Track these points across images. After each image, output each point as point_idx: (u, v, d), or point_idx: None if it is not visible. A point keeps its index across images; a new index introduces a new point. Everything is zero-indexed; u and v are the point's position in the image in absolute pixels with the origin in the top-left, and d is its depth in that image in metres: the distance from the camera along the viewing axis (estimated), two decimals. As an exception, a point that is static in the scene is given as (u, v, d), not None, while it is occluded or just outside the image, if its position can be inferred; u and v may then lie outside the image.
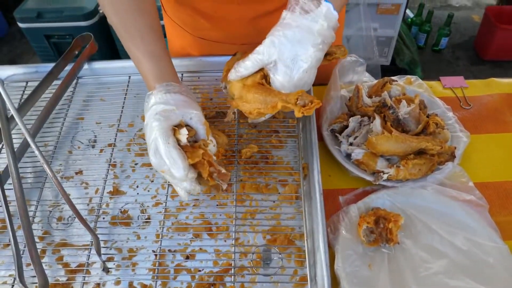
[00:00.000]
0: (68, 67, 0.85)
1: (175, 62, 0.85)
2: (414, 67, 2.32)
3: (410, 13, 2.80)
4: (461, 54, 2.65)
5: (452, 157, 0.73)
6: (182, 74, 0.85)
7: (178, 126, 0.60)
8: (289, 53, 0.60)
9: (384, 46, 2.25)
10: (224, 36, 0.88)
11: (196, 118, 0.62)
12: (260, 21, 0.84)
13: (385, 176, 0.71)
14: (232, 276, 0.62)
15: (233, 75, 0.66)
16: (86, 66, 0.87)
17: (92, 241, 0.65)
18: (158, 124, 0.58)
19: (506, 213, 0.71)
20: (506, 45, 2.49)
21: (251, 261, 0.64)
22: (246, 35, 0.86)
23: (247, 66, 0.63)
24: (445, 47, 2.67)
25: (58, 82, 0.82)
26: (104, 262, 0.63)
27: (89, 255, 0.65)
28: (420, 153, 0.74)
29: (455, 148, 0.74)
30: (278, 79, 0.61)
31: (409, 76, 0.92)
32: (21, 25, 2.04)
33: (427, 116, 0.79)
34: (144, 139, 0.77)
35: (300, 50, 0.60)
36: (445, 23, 2.59)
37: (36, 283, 0.58)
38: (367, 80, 0.91)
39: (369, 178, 0.72)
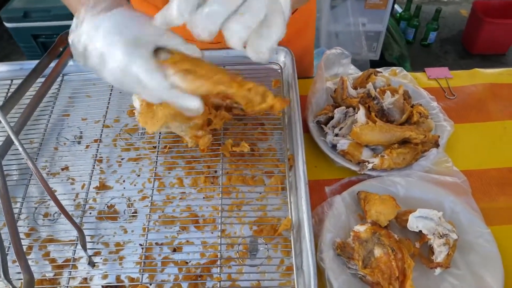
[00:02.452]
0: (52, 64, 0.84)
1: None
2: (403, 61, 2.33)
3: (398, 8, 2.82)
4: (449, 48, 2.68)
5: (436, 145, 0.74)
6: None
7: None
8: None
9: (373, 41, 2.26)
10: None
11: (175, 40, 0.52)
12: None
13: (370, 166, 0.72)
14: (219, 267, 0.62)
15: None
16: (71, 62, 0.87)
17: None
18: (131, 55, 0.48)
19: (489, 200, 0.72)
20: (493, 39, 2.52)
21: (238, 252, 0.64)
22: None
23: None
24: (434, 41, 2.69)
25: (43, 79, 0.82)
26: (90, 256, 0.63)
27: (75, 250, 0.65)
28: (404, 142, 0.74)
29: (439, 137, 0.75)
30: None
31: (394, 68, 0.93)
32: (7, 25, 2.02)
33: (411, 106, 0.79)
34: (131, 134, 0.78)
35: None
36: (433, 18, 2.61)
37: (22, 279, 0.58)
38: (352, 72, 0.92)
39: (354, 168, 0.73)
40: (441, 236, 0.61)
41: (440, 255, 0.60)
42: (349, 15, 2.10)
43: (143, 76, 0.49)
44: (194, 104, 0.51)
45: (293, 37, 0.87)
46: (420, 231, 0.62)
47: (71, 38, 0.53)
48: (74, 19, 0.52)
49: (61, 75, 0.86)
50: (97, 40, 0.50)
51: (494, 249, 0.63)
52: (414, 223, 0.62)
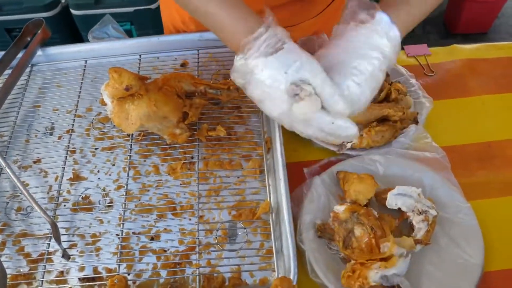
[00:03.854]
0: (20, 55, 0.81)
1: (131, 42, 0.84)
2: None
3: (379, -10, 2.80)
4: (430, 28, 2.67)
5: (415, 122, 0.74)
6: (140, 56, 0.83)
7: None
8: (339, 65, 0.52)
9: (355, 23, 2.24)
10: None
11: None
12: None
13: (349, 145, 0.71)
14: (198, 254, 0.61)
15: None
16: (40, 52, 0.84)
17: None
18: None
19: (469, 175, 0.72)
20: (474, 18, 2.52)
21: (217, 237, 0.63)
22: None
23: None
24: (415, 22, 2.68)
25: (10, 70, 0.79)
26: (64, 249, 0.61)
27: (49, 244, 0.63)
28: (383, 120, 0.73)
29: (418, 113, 0.75)
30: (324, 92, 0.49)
31: (371, 46, 0.91)
32: (-21, 19, 1.96)
33: (390, 84, 0.78)
34: (104, 123, 0.76)
35: (353, 61, 0.51)
36: (414, -1, 2.59)
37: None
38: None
39: (333, 148, 0.72)
40: (420, 212, 0.61)
41: (419, 232, 0.60)
42: (330, -2, 2.08)
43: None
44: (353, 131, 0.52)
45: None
46: (399, 208, 0.62)
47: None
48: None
49: (29, 65, 0.83)
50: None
51: (474, 223, 0.63)
52: (393, 200, 0.62)
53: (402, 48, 0.96)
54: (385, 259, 0.56)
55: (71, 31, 2.00)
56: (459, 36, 2.62)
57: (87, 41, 1.04)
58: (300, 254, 0.60)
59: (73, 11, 1.85)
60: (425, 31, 2.65)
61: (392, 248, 0.56)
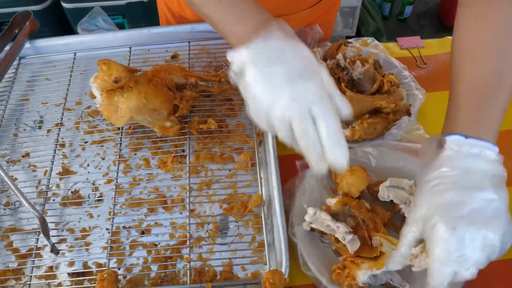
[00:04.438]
0: (8, 47, 0.80)
1: (121, 34, 0.82)
2: (380, 36, 2.31)
3: (374, -17, 2.79)
4: (425, 22, 2.67)
5: (407, 114, 0.73)
6: (130, 48, 0.82)
7: None
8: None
9: (349, 16, 2.24)
10: None
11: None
12: None
13: (341, 138, 0.70)
14: (189, 248, 0.60)
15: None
16: (28, 45, 0.83)
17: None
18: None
19: (461, 166, 0.71)
20: (468, 11, 2.52)
21: (208, 231, 0.63)
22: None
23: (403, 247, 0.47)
24: (410, 15, 2.68)
25: (-2, 63, 0.77)
26: (53, 244, 0.60)
27: (38, 239, 0.62)
28: (375, 112, 0.73)
29: (410, 105, 0.74)
30: (436, 251, 0.43)
31: (365, 38, 0.91)
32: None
33: (383, 76, 0.78)
34: (93, 117, 0.75)
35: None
36: (409, -9, 2.58)
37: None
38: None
39: (326, 141, 0.71)
40: (412, 204, 0.60)
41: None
42: (323, -9, 2.06)
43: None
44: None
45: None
46: (392, 200, 0.61)
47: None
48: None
49: (17, 58, 0.82)
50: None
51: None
52: (384, 193, 0.61)
53: (395, 41, 0.96)
54: (375, 258, 0.55)
55: (62, 24, 1.97)
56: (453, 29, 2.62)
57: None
58: (292, 247, 0.60)
59: (64, 4, 1.83)
60: (419, 25, 2.64)
61: (382, 245, 0.55)
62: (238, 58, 0.46)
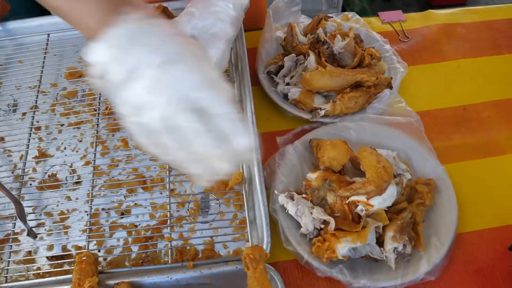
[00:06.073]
0: (-22, 30, 0.77)
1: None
2: (365, 16, 2.30)
3: (359, -38, 2.75)
4: (411, 1, 2.65)
5: (389, 87, 0.72)
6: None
7: None
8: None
9: (333, -4, 2.21)
10: None
11: None
12: None
13: (322, 113, 0.69)
14: (169, 227, 0.60)
15: None
16: (-1, 27, 0.80)
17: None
18: None
19: (443, 138, 0.71)
20: (454, -12, 2.50)
21: (189, 210, 0.62)
22: None
23: None
24: (395, -5, 2.66)
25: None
26: (31, 228, 0.59)
27: (15, 223, 0.61)
28: (357, 86, 0.72)
29: (392, 78, 0.73)
30: None
31: (346, 13, 0.90)
32: None
33: (364, 50, 0.77)
34: (69, 99, 0.73)
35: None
36: (394, -30, 2.56)
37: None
38: (303, 21, 0.88)
39: (307, 116, 0.71)
40: (394, 176, 0.60)
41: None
42: (307, -31, 2.03)
43: None
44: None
45: None
46: (374, 172, 0.61)
47: None
48: None
49: (-12, 41, 0.79)
50: None
51: (449, 185, 0.62)
52: (367, 165, 0.61)
53: (377, 15, 0.94)
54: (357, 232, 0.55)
55: (35, 4, 1.93)
56: (439, 7, 2.60)
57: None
58: (274, 224, 0.59)
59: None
60: (404, 3, 2.63)
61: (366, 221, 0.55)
62: (95, 58, 0.37)
